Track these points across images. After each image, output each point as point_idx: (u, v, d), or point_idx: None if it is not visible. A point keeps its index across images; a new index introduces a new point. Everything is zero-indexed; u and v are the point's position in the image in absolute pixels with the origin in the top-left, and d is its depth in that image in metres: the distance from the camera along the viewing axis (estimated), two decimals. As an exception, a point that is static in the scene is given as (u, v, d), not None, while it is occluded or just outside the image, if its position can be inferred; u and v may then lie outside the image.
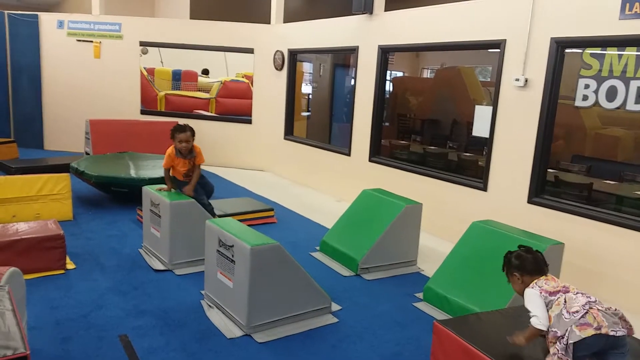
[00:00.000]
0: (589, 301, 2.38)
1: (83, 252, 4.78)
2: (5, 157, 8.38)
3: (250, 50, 9.20)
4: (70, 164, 6.64)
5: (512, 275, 2.66)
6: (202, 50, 9.35)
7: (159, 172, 6.37)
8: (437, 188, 5.98)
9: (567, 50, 4.72)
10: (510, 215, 4.96)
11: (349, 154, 7.40)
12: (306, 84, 10.30)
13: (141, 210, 5.43)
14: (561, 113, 4.84)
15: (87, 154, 8.46)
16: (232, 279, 3.52)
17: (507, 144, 5.20)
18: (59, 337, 3.27)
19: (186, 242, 4.50)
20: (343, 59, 9.98)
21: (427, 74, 11.27)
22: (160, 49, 9.51)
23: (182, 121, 9.08)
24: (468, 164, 6.78)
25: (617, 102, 4.36)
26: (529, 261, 2.62)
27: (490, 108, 5.39)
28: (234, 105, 9.50)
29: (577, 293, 2.45)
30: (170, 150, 4.81)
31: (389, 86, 7.66)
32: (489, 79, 8.23)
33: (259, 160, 9.48)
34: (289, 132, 8.92)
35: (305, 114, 10.24)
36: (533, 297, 2.49)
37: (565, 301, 2.41)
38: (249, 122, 9.44)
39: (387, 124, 7.51)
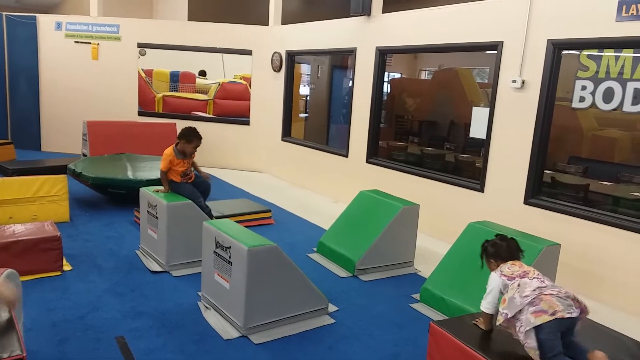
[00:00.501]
0: (540, 286, 2.49)
1: (80, 253, 4.78)
2: (3, 159, 8.37)
3: (248, 52, 9.21)
4: (68, 165, 6.63)
5: (489, 262, 2.86)
6: (200, 51, 9.36)
7: (157, 174, 6.34)
8: (434, 189, 5.99)
9: (563, 52, 4.73)
10: (507, 217, 4.97)
11: (346, 155, 7.40)
12: (304, 86, 10.31)
13: (138, 212, 5.43)
14: (558, 114, 4.86)
15: (85, 155, 8.45)
16: (229, 280, 3.52)
17: (504, 145, 5.22)
18: (55, 338, 3.27)
19: (183, 244, 4.50)
20: (341, 61, 10.00)
21: (424, 75, 11.29)
22: (157, 50, 9.51)
23: (179, 123, 9.14)
24: (465, 165, 6.80)
25: (614, 104, 4.37)
26: (503, 248, 2.80)
27: (487, 109, 5.40)
28: (232, 107, 9.50)
29: (533, 278, 2.56)
30: (169, 151, 4.71)
31: (386, 88, 7.67)
32: (486, 81, 8.25)
33: (257, 161, 9.48)
34: (286, 134, 8.93)
35: (303, 115, 10.25)
36: (490, 281, 2.71)
37: (518, 285, 2.54)
38: (247, 123, 9.45)
39: (384, 125, 7.52)
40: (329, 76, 10.29)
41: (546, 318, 2.37)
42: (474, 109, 5.76)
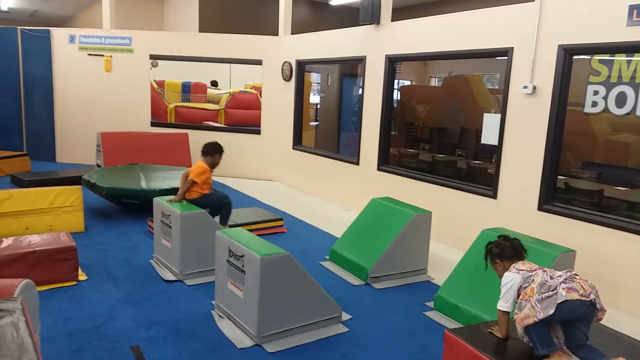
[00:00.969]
0: (569, 271, 2.54)
1: (95, 263, 4.82)
2: (18, 170, 8.50)
3: (258, 62, 9.28)
4: (82, 176, 6.71)
5: (495, 263, 2.85)
6: (211, 62, 9.45)
7: (170, 184, 6.43)
8: (446, 196, 5.97)
9: (574, 57, 4.71)
10: (521, 223, 4.94)
11: (357, 163, 7.41)
12: (314, 94, 10.36)
13: (152, 222, 5.47)
14: (570, 120, 4.83)
15: (99, 166, 8.55)
16: (242, 289, 3.53)
17: (517, 151, 5.19)
18: (71, 348, 3.30)
19: (196, 253, 4.53)
20: (350, 69, 10.04)
21: (434, 82, 11.28)
22: (169, 61, 9.62)
23: (191, 133, 9.22)
24: (477, 171, 6.76)
25: (627, 108, 4.34)
26: (507, 248, 2.81)
27: (498, 115, 5.38)
28: (243, 116, 9.57)
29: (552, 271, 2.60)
30: (205, 166, 5.08)
31: (396, 95, 7.67)
32: (496, 87, 8.23)
33: (268, 170, 9.52)
34: (297, 142, 8.96)
35: (313, 123, 10.28)
36: (505, 280, 2.67)
37: (544, 271, 2.56)
38: (258, 132, 9.50)
39: (395, 132, 7.52)
40: (338, 84, 10.33)
41: (575, 296, 2.38)
42: (485, 115, 5.75)
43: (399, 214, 4.87)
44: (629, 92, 4.31)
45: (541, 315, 2.41)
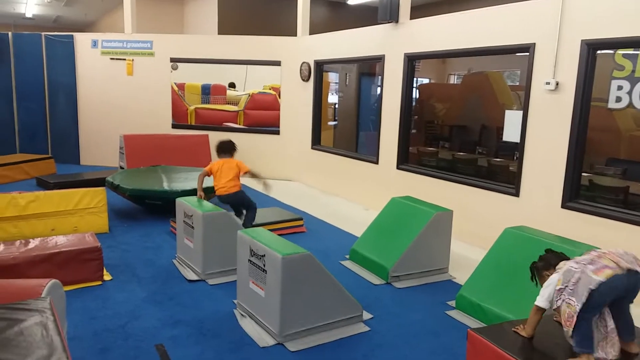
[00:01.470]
0: (595, 250, 2.50)
1: (119, 263, 4.91)
2: (44, 173, 8.69)
3: (277, 63, 9.32)
4: (106, 178, 6.83)
5: (543, 277, 2.73)
6: (230, 64, 9.53)
7: (192, 185, 6.50)
8: (468, 194, 5.91)
9: (598, 52, 4.63)
10: (544, 221, 4.86)
11: (376, 162, 7.39)
12: (332, 94, 10.35)
13: (174, 222, 5.54)
14: (594, 115, 4.74)
15: (122, 168, 8.68)
16: (264, 288, 3.55)
17: (539, 148, 5.12)
18: (97, 347, 3.36)
19: (218, 253, 4.57)
20: (369, 68, 10.00)
21: (454, 79, 11.17)
22: (189, 64, 9.73)
23: (212, 134, 9.30)
24: (498, 169, 6.68)
25: (653, 103, 4.25)
26: (551, 257, 2.74)
27: (520, 112, 5.32)
28: (262, 117, 9.62)
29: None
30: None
31: (415, 93, 7.62)
32: (517, 83, 8.11)
33: (287, 170, 9.55)
34: (316, 142, 8.97)
35: (332, 123, 10.28)
36: (547, 282, 2.58)
37: (574, 259, 2.52)
38: (277, 133, 9.54)
39: (414, 131, 7.48)
40: (357, 84, 10.30)
41: (609, 273, 2.27)
42: (507, 112, 5.68)
43: (419, 212, 4.84)
44: (655, 86, 4.21)
45: (579, 306, 2.31)
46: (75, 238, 4.56)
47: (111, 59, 9.92)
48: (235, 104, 9.70)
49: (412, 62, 6.77)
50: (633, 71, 4.37)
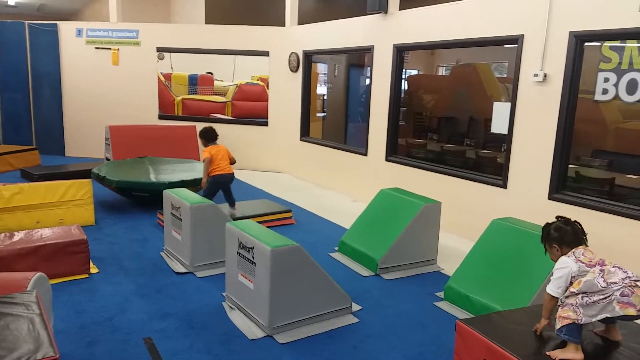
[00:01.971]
0: (628, 276, 2.34)
1: (106, 256, 4.86)
2: (28, 164, 8.56)
3: (265, 53, 9.25)
4: (92, 169, 6.75)
5: (552, 247, 2.64)
6: (217, 54, 9.43)
7: (179, 176, 6.46)
8: (456, 186, 5.94)
9: (586, 44, 4.65)
10: (531, 212, 4.90)
11: (365, 154, 7.39)
12: (321, 85, 10.31)
13: (162, 214, 5.51)
14: (581, 107, 4.77)
15: (108, 159, 8.59)
16: (252, 281, 3.54)
17: (527, 140, 5.15)
18: (84, 340, 3.33)
19: (207, 245, 4.55)
20: (358, 59, 9.97)
21: (442, 71, 11.19)
22: (171, 54, 9.62)
23: (199, 125, 9.22)
24: (486, 161, 6.71)
25: (638, 95, 4.28)
26: (568, 233, 2.59)
27: (508, 104, 5.34)
28: (250, 108, 9.56)
29: (614, 267, 2.40)
30: None
31: (404, 85, 7.62)
32: (505, 75, 8.14)
33: (276, 162, 9.52)
34: (305, 134, 8.95)
35: (320, 114, 10.25)
36: (560, 264, 2.50)
37: (601, 271, 2.37)
38: (265, 124, 9.50)
39: (403, 122, 7.48)
40: (346, 75, 10.27)
41: (632, 312, 2.25)
42: (495, 104, 5.69)
43: (408, 204, 4.86)
44: (641, 79, 4.25)
45: (583, 321, 2.30)
46: (61, 230, 4.50)
47: (96, 48, 9.77)
48: (223, 94, 9.63)
49: (401, 53, 6.75)
50: (620, 63, 4.40)
